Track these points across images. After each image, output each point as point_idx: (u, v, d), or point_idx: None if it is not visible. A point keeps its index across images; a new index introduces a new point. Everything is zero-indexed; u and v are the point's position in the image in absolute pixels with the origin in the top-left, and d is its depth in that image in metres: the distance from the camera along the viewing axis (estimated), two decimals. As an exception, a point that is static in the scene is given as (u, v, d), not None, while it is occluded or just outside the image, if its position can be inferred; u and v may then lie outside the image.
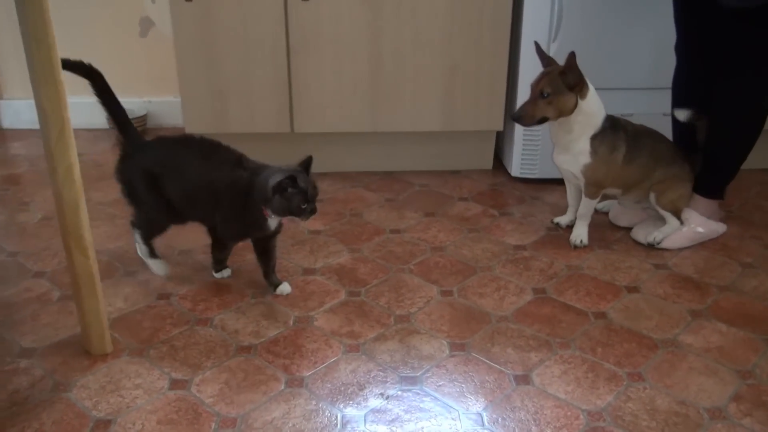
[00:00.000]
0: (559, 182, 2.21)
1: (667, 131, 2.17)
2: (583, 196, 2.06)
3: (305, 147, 2.51)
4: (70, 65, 1.62)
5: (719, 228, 2.11)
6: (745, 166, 2.30)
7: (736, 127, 2.03)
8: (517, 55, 2.36)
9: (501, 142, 2.62)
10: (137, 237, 1.82)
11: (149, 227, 1.81)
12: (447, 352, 1.59)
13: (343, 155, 2.56)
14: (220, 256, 1.85)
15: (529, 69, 2.30)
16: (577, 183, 2.08)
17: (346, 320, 1.69)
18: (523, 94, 2.33)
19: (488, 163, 2.61)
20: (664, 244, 2.04)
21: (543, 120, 1.93)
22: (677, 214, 2.04)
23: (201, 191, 1.68)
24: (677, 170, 2.02)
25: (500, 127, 2.48)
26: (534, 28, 2.27)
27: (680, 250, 2.04)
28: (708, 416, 1.40)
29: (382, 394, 1.45)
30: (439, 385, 1.48)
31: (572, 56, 1.87)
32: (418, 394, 1.46)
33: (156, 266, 1.84)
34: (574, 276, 1.90)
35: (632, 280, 1.89)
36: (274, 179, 1.58)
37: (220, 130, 2.37)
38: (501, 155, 2.64)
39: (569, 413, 1.41)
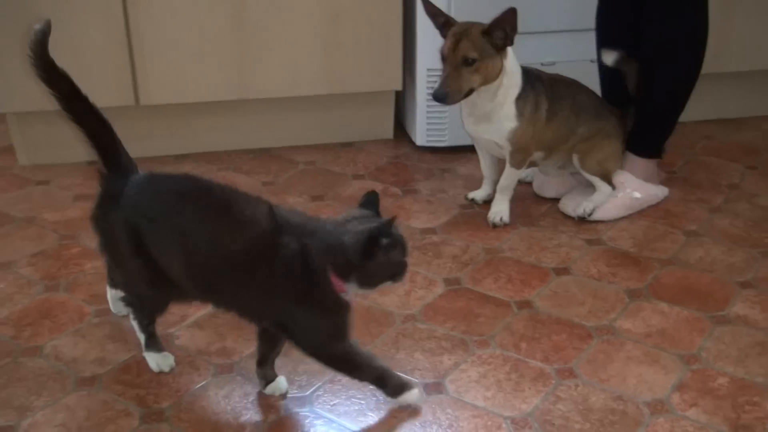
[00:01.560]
0: (475, 150, 2.28)
1: (594, 81, 2.28)
2: (507, 166, 2.13)
3: (157, 123, 2.48)
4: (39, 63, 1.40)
5: (659, 192, 2.24)
6: (685, 117, 2.44)
7: (673, 72, 2.15)
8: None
9: (402, 106, 2.68)
10: (131, 319, 1.60)
11: (145, 306, 1.56)
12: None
13: (206, 131, 2.54)
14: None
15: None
16: (498, 152, 2.15)
17: (215, 335, 1.70)
18: (425, 44, 2.39)
19: (388, 131, 2.66)
20: (597, 216, 2.14)
21: (470, 92, 1.99)
22: (607, 179, 2.15)
23: (223, 263, 1.40)
24: (602, 125, 2.13)
25: (399, 86, 2.53)
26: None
27: (616, 220, 2.15)
28: (648, 411, 1.50)
29: (263, 421, 1.47)
30: (333, 405, 1.51)
31: (513, 13, 1.91)
32: (308, 417, 1.49)
33: (156, 362, 1.59)
34: (493, 260, 1.98)
35: (561, 260, 1.98)
36: (360, 234, 1.34)
37: (43, 107, 2.31)
38: (403, 121, 2.69)
39: (489, 422, 1.47)
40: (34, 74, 1.42)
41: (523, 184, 2.32)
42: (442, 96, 1.96)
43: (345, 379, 1.56)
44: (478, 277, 1.90)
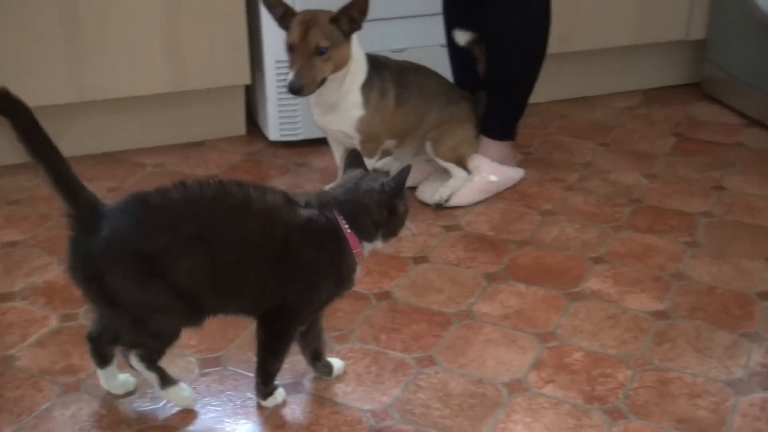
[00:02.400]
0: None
1: (445, 66, 2.36)
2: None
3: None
4: None
5: (515, 174, 2.34)
6: (540, 98, 2.56)
7: (519, 54, 2.25)
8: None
9: (253, 100, 2.68)
10: (136, 361, 1.47)
11: (157, 340, 1.47)
12: (197, 370, 1.63)
13: (42, 138, 2.48)
14: (277, 363, 1.53)
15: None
16: (349, 142, 2.19)
17: (60, 353, 1.67)
18: (271, 35, 2.41)
19: (239, 127, 2.67)
20: (454, 201, 2.22)
21: (323, 82, 2.02)
22: (462, 164, 2.22)
23: (255, 256, 1.42)
24: (453, 110, 2.21)
25: (247, 80, 2.54)
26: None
27: (474, 205, 2.24)
28: (507, 391, 1.57)
29: (114, 439, 1.47)
30: (188, 414, 1.52)
31: None
32: (165, 429, 1.49)
33: (179, 397, 1.52)
34: (351, 254, 2.02)
35: (419, 248, 2.04)
36: (385, 185, 1.46)
37: None
38: (255, 116, 2.70)
39: (350, 418, 1.51)
40: None
41: (381, 174, 2.38)
42: (297, 88, 1.98)
43: (201, 386, 1.57)
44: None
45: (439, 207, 2.21)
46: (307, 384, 1.59)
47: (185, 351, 1.67)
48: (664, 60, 3.03)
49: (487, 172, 2.26)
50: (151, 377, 1.48)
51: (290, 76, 1.98)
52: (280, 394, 1.55)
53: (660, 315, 1.79)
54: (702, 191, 2.31)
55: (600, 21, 2.79)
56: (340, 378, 1.60)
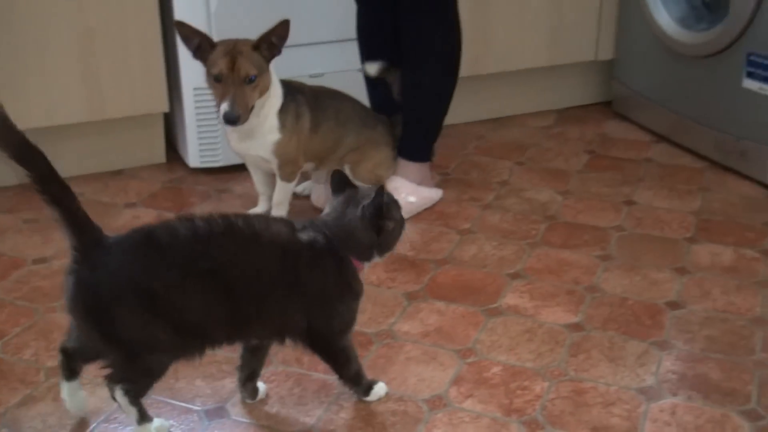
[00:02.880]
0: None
1: (363, 90, 2.40)
2: (278, 180, 2.20)
3: None
4: None
5: (434, 194, 2.39)
6: (457, 119, 2.62)
7: (432, 77, 2.31)
8: (170, 11, 2.43)
9: (172, 127, 2.68)
10: (120, 395, 1.44)
11: (147, 376, 1.46)
12: (119, 400, 1.63)
13: (-44, 170, 2.44)
14: (353, 367, 1.59)
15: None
16: (267, 167, 2.21)
17: (-23, 388, 1.65)
18: (189, 63, 2.40)
19: (159, 155, 2.66)
20: None
21: (251, 110, 2.04)
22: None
23: (270, 286, 1.45)
24: (370, 133, 2.25)
25: (165, 108, 2.54)
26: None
27: (394, 226, 2.27)
28: (428, 407, 1.61)
29: (34, 473, 1.45)
30: (111, 444, 1.52)
31: (286, 25, 2.01)
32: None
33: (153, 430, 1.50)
34: (273, 278, 2.04)
35: (341, 270, 2.07)
36: (365, 210, 1.49)
37: None
38: (175, 143, 2.70)
39: (273, 440, 1.53)
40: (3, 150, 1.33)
41: (302, 198, 2.41)
42: (234, 118, 2.00)
43: (124, 416, 1.56)
44: (259, 296, 1.96)
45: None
46: (231, 408, 1.60)
47: (106, 381, 1.67)
48: (576, 80, 3.14)
49: (405, 194, 2.30)
50: (131, 412, 1.46)
51: (225, 107, 1.99)
52: (380, 386, 1.63)
53: (574, 327, 1.85)
54: (613, 206, 2.40)
55: (512, 44, 2.87)
56: (263, 401, 1.62)
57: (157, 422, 1.50)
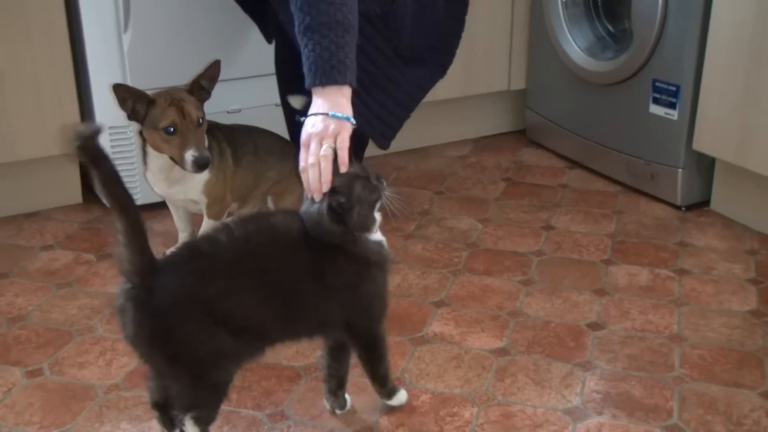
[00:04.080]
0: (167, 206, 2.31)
1: (280, 125, 2.41)
2: (205, 218, 2.18)
3: None
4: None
5: None
6: (376, 151, 2.63)
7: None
8: (82, 51, 2.39)
9: (88, 167, 2.63)
10: (191, 426, 1.46)
11: (215, 395, 1.48)
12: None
13: None
14: (384, 365, 1.63)
15: (100, 66, 2.37)
16: (196, 208, 2.19)
17: None
18: (102, 101, 2.39)
19: (76, 196, 2.61)
20: None
21: None
22: None
23: (305, 279, 1.48)
24: (292, 165, 2.24)
25: (80, 148, 2.49)
26: (97, 15, 2.33)
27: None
28: (359, 439, 1.61)
29: None
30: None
31: (218, 65, 2.05)
32: None
33: None
34: (197, 316, 2.01)
35: (266, 305, 2.06)
36: (320, 206, 1.48)
37: None
38: (92, 183, 2.63)
39: (204, 481, 1.50)
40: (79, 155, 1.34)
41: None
42: (206, 160, 2.00)
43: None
44: (183, 335, 1.93)
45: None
46: (158, 451, 1.57)
47: (28, 429, 1.61)
48: (491, 110, 3.20)
49: None
50: None
51: (191, 153, 1.99)
52: (403, 393, 1.68)
53: (500, 352, 1.88)
54: (532, 232, 2.45)
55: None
56: (192, 442, 1.59)
57: None
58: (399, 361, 1.84)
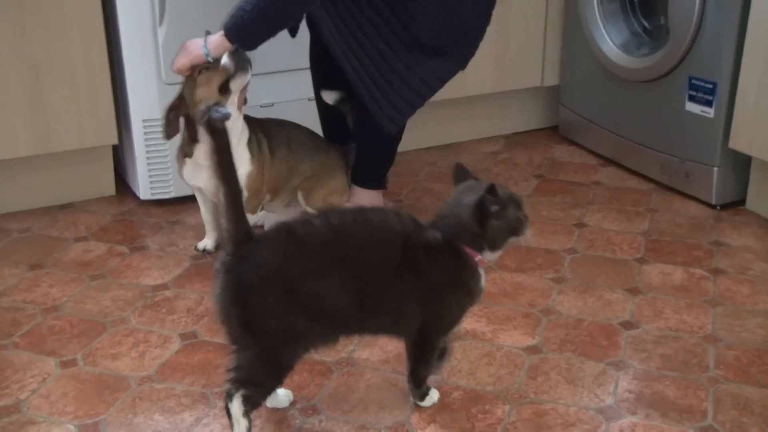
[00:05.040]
0: (200, 198, 2.32)
1: (312, 120, 2.41)
2: None
3: None
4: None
5: None
6: (408, 146, 2.64)
7: (383, 107, 2.32)
8: (118, 44, 2.41)
9: (122, 159, 2.66)
10: (237, 404, 1.50)
11: (274, 377, 1.54)
12: (76, 438, 1.60)
13: None
14: (427, 370, 1.66)
15: (135, 59, 2.38)
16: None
17: None
18: (137, 95, 2.41)
19: (109, 188, 2.63)
20: None
21: None
22: None
23: (393, 277, 1.52)
24: (323, 159, 2.25)
25: (114, 140, 2.52)
26: (133, 8, 2.35)
27: (349, 254, 2.28)
28: (390, 435, 1.61)
29: None
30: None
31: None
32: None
33: None
34: (229, 309, 2.02)
35: (298, 299, 2.06)
36: (469, 207, 1.52)
37: None
38: (125, 175, 2.67)
39: (236, 473, 1.51)
40: (206, 126, 1.45)
41: (257, 228, 2.39)
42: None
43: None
44: (215, 328, 1.94)
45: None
46: (191, 443, 1.59)
47: (63, 419, 1.63)
48: (523, 106, 3.19)
49: None
50: (241, 426, 1.50)
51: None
52: (434, 393, 1.69)
53: (532, 350, 1.87)
54: (565, 229, 2.43)
55: (460, 71, 2.91)
56: (224, 434, 1.60)
57: None
58: (430, 357, 1.84)
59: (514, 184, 2.73)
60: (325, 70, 2.36)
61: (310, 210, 2.25)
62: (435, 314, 1.58)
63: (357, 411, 1.67)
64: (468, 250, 1.55)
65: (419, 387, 1.66)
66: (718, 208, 2.56)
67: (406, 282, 1.53)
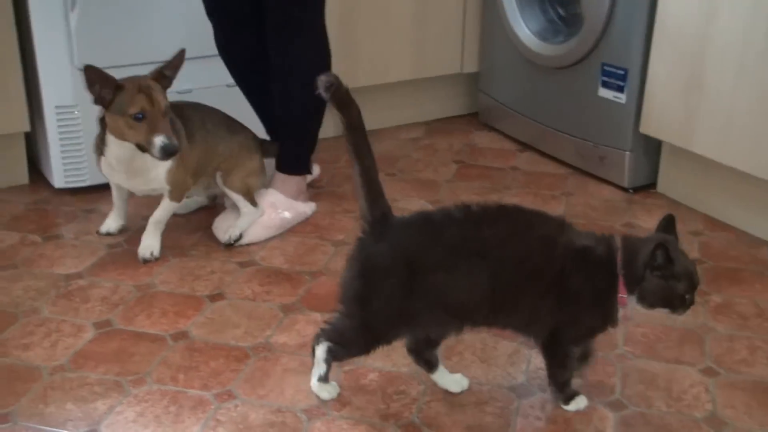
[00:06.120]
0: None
1: (233, 106, 2.39)
2: (165, 200, 2.17)
3: None
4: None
5: (307, 209, 2.40)
6: (329, 133, 2.64)
7: (304, 94, 2.30)
8: (29, 29, 2.36)
9: (35, 147, 2.60)
10: (322, 350, 1.60)
11: (364, 348, 1.60)
12: (-16, 429, 1.57)
13: None
14: (566, 374, 1.63)
15: (47, 45, 2.34)
16: (156, 194, 2.17)
17: None
18: (50, 80, 2.36)
19: (23, 176, 2.58)
20: (247, 239, 2.25)
21: None
22: (250, 196, 2.26)
23: (532, 278, 1.51)
24: (241, 140, 2.25)
25: (26, 127, 2.47)
26: (44, -3, 2.31)
27: (267, 240, 2.28)
28: (306, 417, 1.62)
29: None
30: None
31: (182, 55, 2.07)
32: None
33: (325, 390, 1.65)
34: (145, 297, 2.00)
35: (215, 286, 2.06)
36: (647, 247, 1.49)
37: None
38: (38, 163, 2.62)
39: (149, 460, 1.50)
40: (331, 100, 1.47)
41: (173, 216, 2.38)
42: (175, 148, 1.99)
43: None
44: (130, 316, 1.92)
45: (231, 246, 2.23)
46: (104, 430, 1.57)
47: (-30, 410, 1.61)
48: (443, 93, 3.22)
49: (282, 209, 2.31)
50: (321, 368, 1.61)
51: (161, 140, 1.96)
52: (581, 399, 1.66)
53: (448, 331, 1.90)
54: (482, 213, 2.47)
55: (379, 58, 2.93)
56: (138, 421, 1.59)
57: (330, 387, 1.65)
58: (347, 340, 1.85)
59: (434, 170, 2.77)
60: (231, 58, 2.38)
61: (228, 191, 2.24)
62: (568, 323, 1.56)
63: (273, 395, 1.67)
64: (621, 281, 1.53)
65: (561, 391, 1.65)
66: (631, 191, 2.63)
67: (544, 286, 1.52)
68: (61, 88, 2.37)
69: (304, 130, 2.38)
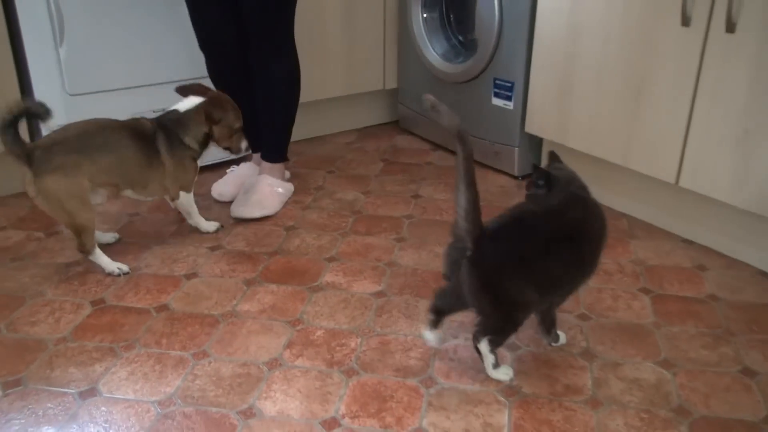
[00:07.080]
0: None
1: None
2: (180, 197, 2.12)
3: None
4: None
5: (291, 187, 2.48)
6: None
7: (282, 105, 2.38)
8: (24, 66, 2.28)
9: (36, 160, 2.52)
10: (485, 345, 1.55)
11: (512, 330, 1.55)
12: (0, 393, 1.52)
13: None
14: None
15: (41, 75, 2.27)
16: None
17: None
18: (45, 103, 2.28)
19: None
20: (268, 211, 2.31)
21: None
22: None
23: (586, 252, 1.53)
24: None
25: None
26: (36, 32, 2.23)
27: (232, 227, 2.25)
28: (267, 368, 1.61)
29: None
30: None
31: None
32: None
33: (504, 373, 1.60)
34: (132, 278, 1.97)
35: (190, 267, 2.03)
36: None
37: None
38: (39, 173, 2.53)
39: (140, 409, 1.48)
40: (456, 137, 1.40)
41: (133, 215, 2.33)
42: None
43: (4, 405, 1.47)
44: (121, 294, 1.89)
45: (216, 233, 2.21)
46: (102, 387, 1.54)
47: (-12, 378, 1.56)
48: (370, 105, 3.22)
49: (277, 187, 2.39)
50: (490, 359, 1.57)
51: (245, 144, 2.15)
52: (562, 336, 1.72)
53: (379, 294, 1.91)
54: (404, 200, 2.48)
55: (319, 78, 2.91)
56: (130, 379, 1.57)
57: (504, 368, 1.60)
58: (299, 305, 1.85)
59: (365, 167, 2.76)
60: (223, 79, 2.36)
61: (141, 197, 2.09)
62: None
63: (240, 352, 1.67)
64: None
65: (549, 333, 1.70)
66: (520, 178, 2.67)
67: (594, 246, 1.54)
68: (55, 112, 2.29)
69: (282, 128, 2.41)
